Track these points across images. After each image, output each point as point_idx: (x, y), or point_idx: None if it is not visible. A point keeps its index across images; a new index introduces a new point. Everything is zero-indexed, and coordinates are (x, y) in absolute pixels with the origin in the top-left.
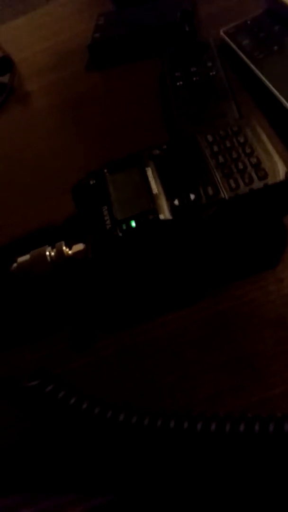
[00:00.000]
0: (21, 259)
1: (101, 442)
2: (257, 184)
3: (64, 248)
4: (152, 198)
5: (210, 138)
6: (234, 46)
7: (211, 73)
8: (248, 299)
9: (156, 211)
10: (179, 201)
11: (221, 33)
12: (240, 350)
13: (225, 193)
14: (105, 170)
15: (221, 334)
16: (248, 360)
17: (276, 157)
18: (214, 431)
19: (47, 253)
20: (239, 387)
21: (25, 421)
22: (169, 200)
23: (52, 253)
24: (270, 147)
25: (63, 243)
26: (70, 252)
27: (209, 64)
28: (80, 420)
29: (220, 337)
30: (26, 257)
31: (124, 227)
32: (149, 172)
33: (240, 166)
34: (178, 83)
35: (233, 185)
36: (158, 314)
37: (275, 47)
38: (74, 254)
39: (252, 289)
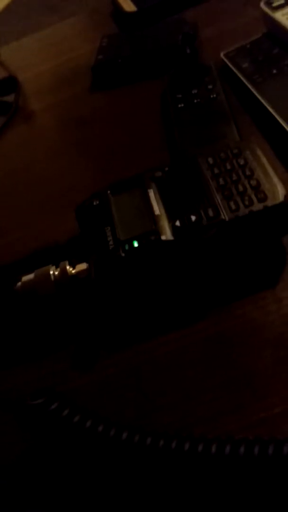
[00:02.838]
0: (25, 277)
1: (104, 460)
2: (257, 206)
3: (67, 267)
4: (154, 219)
5: (211, 160)
6: (234, 69)
7: (212, 96)
8: (248, 318)
9: (158, 231)
10: (180, 222)
11: (222, 56)
12: (240, 370)
13: (226, 215)
14: (108, 191)
15: (221, 353)
16: (248, 380)
17: (276, 179)
18: (214, 453)
19: (51, 272)
20: (239, 407)
21: (28, 439)
22: (171, 221)
23: (56, 272)
24: (269, 169)
25: (66, 262)
26: (73, 271)
27: (210, 86)
28: (84, 438)
29: (220, 356)
30: (31, 276)
31: (126, 247)
32: (151, 193)
33: (240, 188)
34: (179, 105)
35: (233, 207)
36: (159, 333)
37: (274, 70)
38: (77, 273)
39: (252, 309)
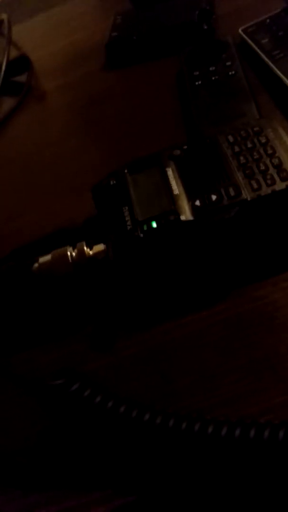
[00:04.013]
0: (42, 259)
1: (125, 441)
2: (279, 185)
3: (85, 248)
4: (173, 198)
5: (231, 138)
6: (253, 45)
7: (230, 73)
8: (268, 300)
9: (177, 211)
10: (200, 202)
11: (240, 31)
12: (261, 352)
13: (247, 194)
14: (126, 170)
15: (242, 335)
16: (269, 362)
17: None
18: (238, 436)
19: (68, 253)
20: (260, 389)
21: (48, 420)
22: (190, 200)
23: (73, 253)
24: None
25: (84, 243)
26: (91, 252)
27: (228, 63)
28: (105, 419)
29: (240, 338)
30: (48, 257)
31: (145, 227)
32: (170, 172)
33: (262, 167)
34: (196, 83)
35: (255, 186)
36: (178, 315)
37: None
38: (95, 254)
39: (273, 291)
